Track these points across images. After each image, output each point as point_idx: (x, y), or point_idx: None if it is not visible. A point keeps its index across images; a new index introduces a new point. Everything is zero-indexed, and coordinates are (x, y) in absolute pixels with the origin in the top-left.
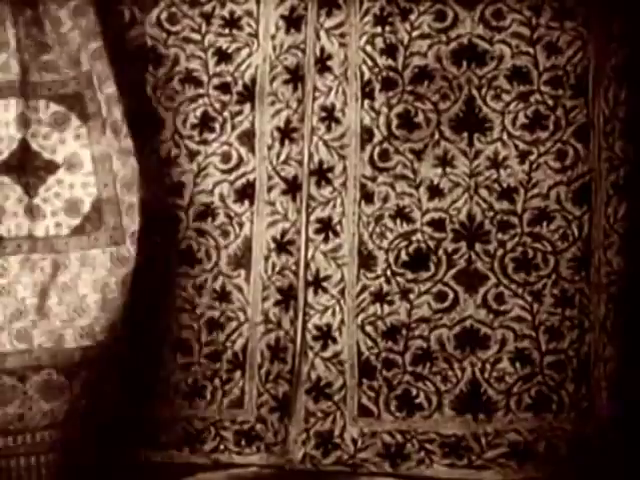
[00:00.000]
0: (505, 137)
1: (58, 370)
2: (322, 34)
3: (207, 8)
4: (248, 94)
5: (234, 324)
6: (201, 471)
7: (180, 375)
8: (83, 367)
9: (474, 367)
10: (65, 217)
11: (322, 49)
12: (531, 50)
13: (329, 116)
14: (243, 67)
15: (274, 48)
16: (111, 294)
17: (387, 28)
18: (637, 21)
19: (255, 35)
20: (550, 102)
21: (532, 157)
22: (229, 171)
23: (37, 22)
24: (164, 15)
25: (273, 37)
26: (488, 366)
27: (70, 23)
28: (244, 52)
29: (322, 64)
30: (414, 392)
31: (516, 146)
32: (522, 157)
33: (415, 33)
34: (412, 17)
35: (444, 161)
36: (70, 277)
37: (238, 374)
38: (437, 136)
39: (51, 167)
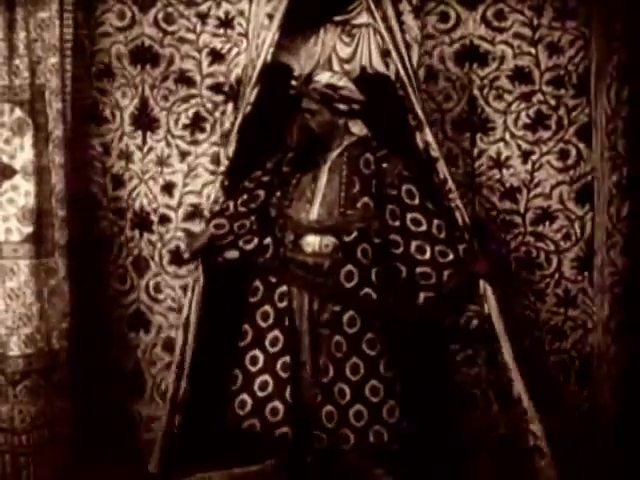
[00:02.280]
0: (507, 137)
1: (6, 376)
2: None
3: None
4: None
5: None
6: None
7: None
8: (26, 375)
9: None
10: (17, 224)
11: None
12: (533, 50)
13: None
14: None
15: None
16: (45, 303)
17: None
18: (639, 20)
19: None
20: (552, 102)
21: (534, 157)
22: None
23: (12, 26)
24: (161, 15)
25: None
26: None
27: (35, 34)
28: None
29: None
30: None
31: (518, 146)
32: (524, 157)
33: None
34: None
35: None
36: (18, 285)
37: None
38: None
39: (7, 172)
